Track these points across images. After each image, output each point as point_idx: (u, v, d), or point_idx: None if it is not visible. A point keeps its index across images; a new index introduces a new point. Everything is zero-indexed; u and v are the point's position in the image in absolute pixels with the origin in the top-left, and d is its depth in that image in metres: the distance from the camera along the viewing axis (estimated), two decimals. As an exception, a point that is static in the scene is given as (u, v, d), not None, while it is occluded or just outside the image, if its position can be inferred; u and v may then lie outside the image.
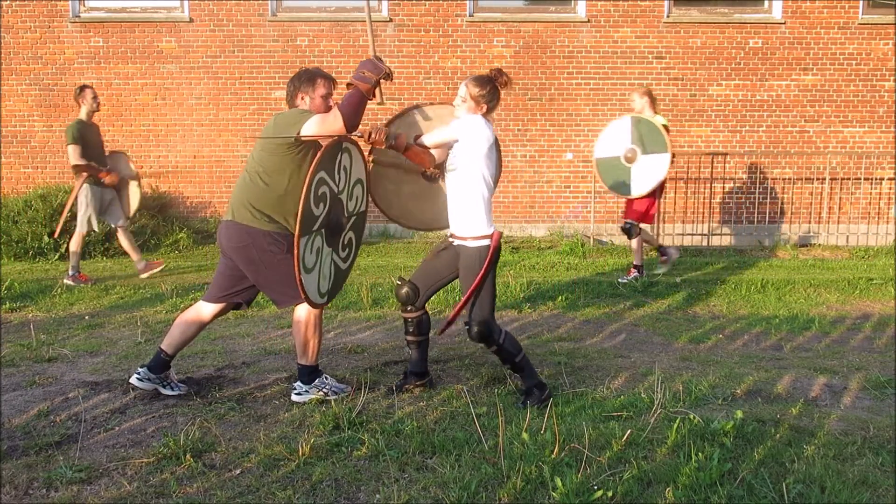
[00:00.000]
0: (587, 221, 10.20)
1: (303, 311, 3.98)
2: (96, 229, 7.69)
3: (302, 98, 3.98)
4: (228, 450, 3.35)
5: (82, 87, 7.41)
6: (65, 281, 7.29)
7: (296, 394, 4.05)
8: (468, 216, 3.85)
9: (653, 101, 7.24)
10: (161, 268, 7.81)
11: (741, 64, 10.12)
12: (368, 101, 3.87)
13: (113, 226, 7.76)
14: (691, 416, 3.56)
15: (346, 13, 10.06)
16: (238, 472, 3.14)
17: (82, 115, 7.34)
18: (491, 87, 3.88)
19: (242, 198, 3.91)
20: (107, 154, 7.63)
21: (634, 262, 7.38)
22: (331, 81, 4.04)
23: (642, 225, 7.39)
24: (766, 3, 10.18)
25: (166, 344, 4.09)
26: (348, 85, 3.86)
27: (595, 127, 10.07)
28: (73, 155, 7.19)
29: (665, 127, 7.04)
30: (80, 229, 7.46)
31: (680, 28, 10.07)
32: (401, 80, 9.92)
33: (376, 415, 3.78)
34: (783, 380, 4.42)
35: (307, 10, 10.08)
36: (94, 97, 7.37)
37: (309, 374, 4.05)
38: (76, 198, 7.36)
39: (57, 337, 5.42)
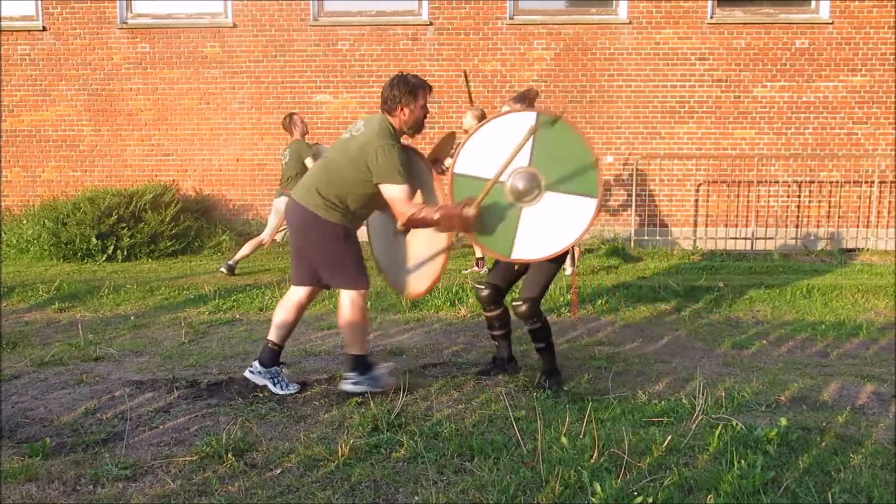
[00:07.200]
0: (628, 225, 10.10)
1: (346, 299, 4.07)
2: (279, 241, 8.28)
3: (402, 110, 3.99)
4: (269, 450, 3.40)
5: (290, 115, 8.04)
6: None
7: (352, 383, 4.11)
8: None
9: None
10: None
11: (787, 65, 9.93)
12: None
13: None
14: (734, 423, 3.51)
15: (387, 17, 10.12)
16: (278, 471, 3.18)
17: (297, 136, 7.92)
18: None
19: (315, 182, 4.02)
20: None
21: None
22: (430, 91, 4.11)
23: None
24: (813, 3, 9.97)
25: (272, 334, 4.19)
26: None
27: (636, 130, 9.99)
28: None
29: None
30: (266, 237, 8.01)
31: (724, 29, 9.92)
32: (441, 84, 9.93)
33: (415, 417, 3.79)
34: (829, 387, 4.33)
35: (348, 13, 10.17)
36: (302, 121, 8.04)
37: (364, 365, 4.12)
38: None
39: (104, 336, 5.55)
